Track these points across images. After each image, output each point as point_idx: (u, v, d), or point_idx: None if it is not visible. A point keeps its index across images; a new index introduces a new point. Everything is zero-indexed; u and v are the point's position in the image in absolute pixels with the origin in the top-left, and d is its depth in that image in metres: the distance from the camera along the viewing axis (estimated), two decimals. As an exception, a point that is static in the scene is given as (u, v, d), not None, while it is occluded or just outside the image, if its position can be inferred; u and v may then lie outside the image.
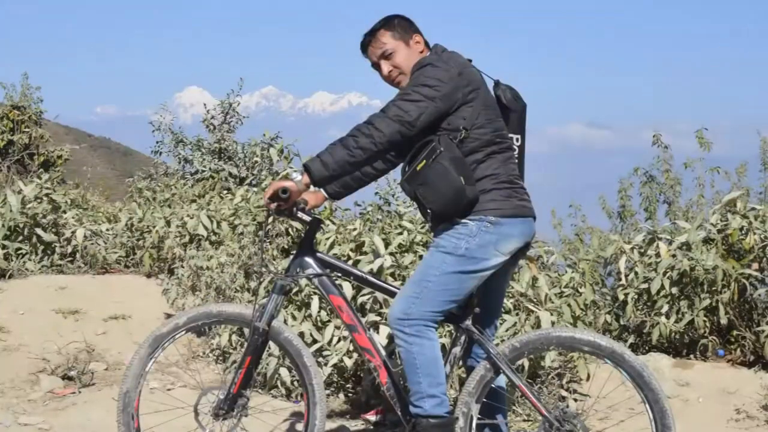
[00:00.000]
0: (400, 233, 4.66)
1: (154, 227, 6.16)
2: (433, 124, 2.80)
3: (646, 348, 4.67)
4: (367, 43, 3.03)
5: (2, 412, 4.08)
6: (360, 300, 4.24)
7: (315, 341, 4.26)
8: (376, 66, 3.04)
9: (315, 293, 4.31)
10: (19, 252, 5.93)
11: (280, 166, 7.60)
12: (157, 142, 9.00)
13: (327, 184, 2.97)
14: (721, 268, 4.34)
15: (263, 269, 4.72)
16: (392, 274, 4.33)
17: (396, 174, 3.35)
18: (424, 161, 2.76)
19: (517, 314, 4.19)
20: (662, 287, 4.48)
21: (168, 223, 6.12)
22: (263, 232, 3.34)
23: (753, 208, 4.64)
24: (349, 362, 4.18)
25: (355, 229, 4.84)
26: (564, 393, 4.14)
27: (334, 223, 5.10)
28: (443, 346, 3.37)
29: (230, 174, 8.01)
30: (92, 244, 6.12)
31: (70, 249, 6.10)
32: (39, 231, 6.01)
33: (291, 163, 7.52)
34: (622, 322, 4.79)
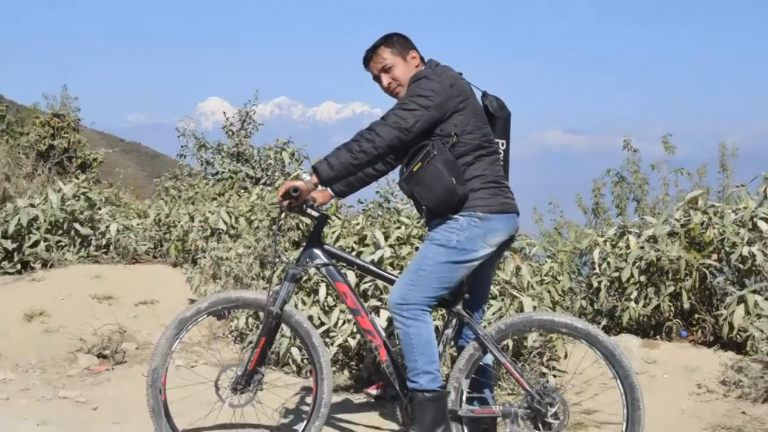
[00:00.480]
0: (399, 227, 4.66)
1: (179, 222, 6.15)
2: (427, 131, 2.80)
3: (617, 330, 4.66)
4: (368, 58, 3.03)
5: (44, 387, 4.09)
6: (362, 287, 4.23)
7: (322, 324, 4.26)
8: (377, 78, 3.04)
9: (322, 281, 4.31)
10: (59, 244, 5.93)
11: (291, 167, 7.58)
12: (182, 147, 8.96)
13: (333, 184, 2.96)
14: (684, 258, 4.33)
15: (276, 259, 4.71)
16: (391, 264, 4.33)
17: (395, 175, 3.34)
18: (420, 163, 2.76)
19: (502, 300, 4.19)
20: (632, 275, 4.48)
21: (192, 219, 6.11)
22: (276, 226, 3.34)
23: (712, 205, 4.64)
24: (352, 342, 4.18)
25: (358, 224, 4.84)
26: (544, 370, 4.13)
27: (339, 219, 5.09)
28: (437, 328, 3.36)
29: (247, 175, 7.98)
30: (124, 237, 6.11)
31: (104, 241, 6.09)
32: (77, 225, 6.01)
33: (301, 165, 7.50)
34: (596, 307, 4.78)
